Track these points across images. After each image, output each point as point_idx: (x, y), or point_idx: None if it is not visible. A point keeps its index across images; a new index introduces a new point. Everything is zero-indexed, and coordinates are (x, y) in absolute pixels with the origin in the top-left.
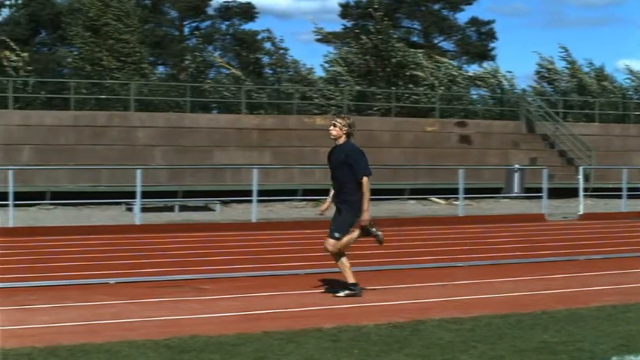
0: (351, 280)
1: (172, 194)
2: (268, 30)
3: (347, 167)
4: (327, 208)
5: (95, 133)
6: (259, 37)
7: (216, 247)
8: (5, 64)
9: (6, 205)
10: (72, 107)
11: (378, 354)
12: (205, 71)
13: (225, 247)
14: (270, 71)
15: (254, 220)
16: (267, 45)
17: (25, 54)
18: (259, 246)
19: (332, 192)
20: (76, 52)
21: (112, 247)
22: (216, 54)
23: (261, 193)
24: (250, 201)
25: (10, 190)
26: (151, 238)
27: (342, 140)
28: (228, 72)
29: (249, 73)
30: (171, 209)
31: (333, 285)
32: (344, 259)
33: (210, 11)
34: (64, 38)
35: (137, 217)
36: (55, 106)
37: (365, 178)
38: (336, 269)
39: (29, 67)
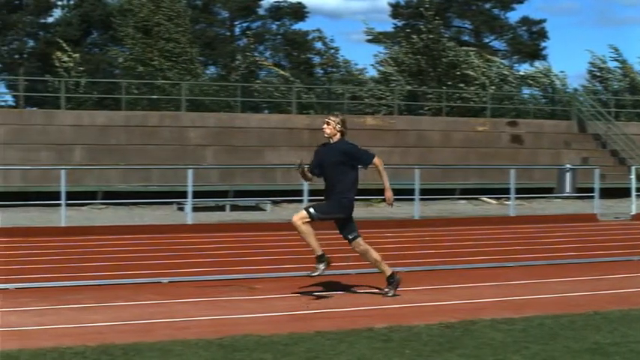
0: (388, 273)
1: (223, 194)
2: (319, 30)
3: (342, 166)
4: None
5: (146, 133)
6: (310, 37)
7: (267, 247)
8: (57, 64)
9: (58, 205)
10: (123, 107)
11: (430, 354)
12: (256, 71)
13: (276, 247)
14: (321, 71)
15: None
16: (318, 45)
17: (77, 55)
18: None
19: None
20: (127, 53)
21: (164, 247)
22: (267, 54)
23: (311, 192)
24: (301, 200)
25: (62, 189)
26: (202, 237)
27: (336, 138)
28: (277, 73)
29: (299, 73)
30: (222, 209)
31: (380, 285)
32: (376, 259)
33: (260, 11)
34: (115, 39)
35: (188, 217)
36: (107, 107)
37: (376, 159)
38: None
39: (81, 68)
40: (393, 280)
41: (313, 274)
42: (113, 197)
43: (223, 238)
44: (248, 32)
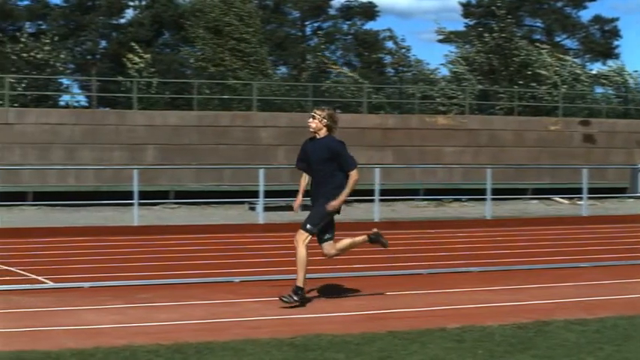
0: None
1: (294, 193)
2: (390, 29)
3: (329, 163)
4: (300, 202)
5: (218, 133)
6: (381, 36)
7: None
8: (129, 65)
9: (131, 205)
10: (195, 107)
11: (502, 355)
12: (326, 71)
13: None
14: (393, 71)
15: (376, 220)
16: (389, 44)
17: (148, 55)
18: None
19: (302, 184)
20: (198, 53)
21: (235, 246)
22: (338, 54)
23: (382, 192)
24: (372, 200)
25: (135, 189)
26: (274, 237)
27: (322, 133)
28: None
29: (370, 73)
30: (293, 208)
31: (454, 285)
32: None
33: (331, 11)
34: (186, 39)
35: (260, 217)
36: (179, 107)
37: (354, 171)
38: (459, 269)
39: (152, 69)
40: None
41: (284, 299)
42: (185, 197)
43: (293, 237)
44: (319, 32)
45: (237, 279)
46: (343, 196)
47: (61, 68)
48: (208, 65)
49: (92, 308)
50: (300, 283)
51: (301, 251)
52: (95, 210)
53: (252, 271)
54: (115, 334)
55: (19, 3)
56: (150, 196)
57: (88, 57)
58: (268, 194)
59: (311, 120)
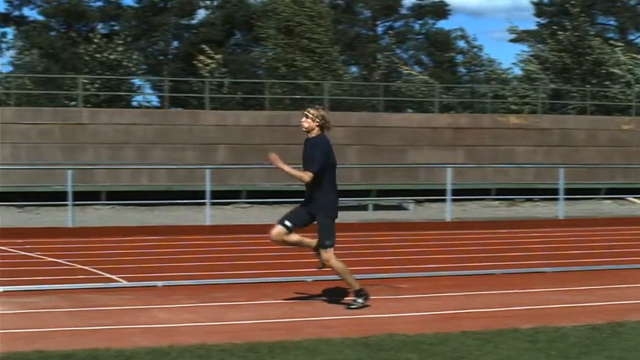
0: (356, 287)
1: (366, 193)
2: (461, 28)
3: (305, 165)
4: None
5: (290, 133)
6: (452, 35)
7: (411, 247)
8: (200, 65)
9: (203, 204)
10: (267, 107)
11: (577, 356)
12: (397, 71)
13: (420, 247)
14: (464, 70)
15: (448, 220)
16: (461, 43)
17: (219, 56)
18: (454, 245)
19: None
20: (269, 53)
21: None
22: (409, 53)
23: (454, 192)
24: (444, 200)
25: (207, 189)
26: (345, 236)
27: (314, 133)
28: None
29: (442, 72)
30: (364, 208)
31: (527, 285)
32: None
33: (403, 11)
34: (257, 39)
35: None
36: (250, 107)
37: (309, 174)
38: (532, 269)
39: (224, 69)
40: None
41: (352, 307)
42: (257, 196)
43: (365, 237)
44: (390, 32)
45: (309, 278)
46: (287, 168)
47: (133, 69)
48: (279, 65)
49: (166, 307)
50: (356, 287)
51: (337, 265)
52: (167, 209)
53: (324, 271)
54: (188, 333)
55: (92, 4)
56: (221, 196)
57: (160, 57)
58: (339, 193)
59: (304, 119)
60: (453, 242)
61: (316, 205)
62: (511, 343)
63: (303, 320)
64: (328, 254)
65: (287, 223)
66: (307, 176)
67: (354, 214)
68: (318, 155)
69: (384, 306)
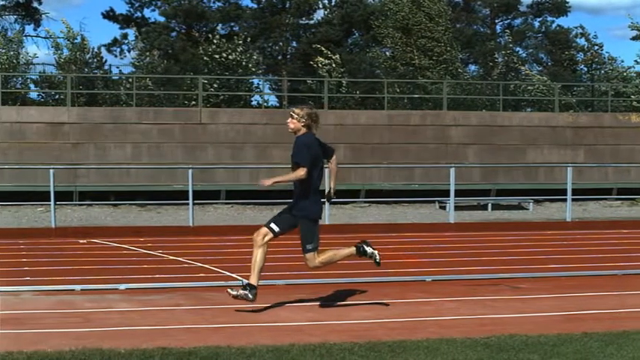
0: (253, 280)
1: (485, 192)
2: (581, 26)
3: (295, 163)
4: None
5: (408, 132)
6: (572, 33)
7: (531, 247)
8: (319, 65)
9: (322, 203)
10: (385, 107)
11: None
12: (516, 69)
13: (540, 246)
14: (584, 68)
15: (568, 220)
16: (581, 41)
17: (336, 56)
18: (575, 245)
19: None
20: (388, 53)
21: (427, 245)
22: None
23: (574, 191)
24: (564, 200)
25: (326, 188)
26: (465, 236)
27: (300, 133)
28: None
29: (562, 71)
30: (484, 208)
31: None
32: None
33: (522, 8)
34: (375, 39)
35: (450, 216)
36: (369, 106)
37: (302, 169)
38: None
39: (342, 69)
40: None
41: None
42: (376, 195)
43: (486, 237)
44: (507, 30)
45: (428, 278)
46: (279, 178)
47: (253, 69)
48: (398, 65)
49: (287, 306)
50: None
51: (323, 259)
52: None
53: (444, 270)
54: (310, 332)
55: (211, 5)
56: (340, 195)
57: (279, 57)
58: (458, 193)
59: (289, 120)
60: (573, 242)
61: (298, 207)
62: (635, 345)
63: (423, 320)
64: (310, 257)
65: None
66: (302, 171)
67: (474, 214)
68: (305, 150)
69: (505, 306)
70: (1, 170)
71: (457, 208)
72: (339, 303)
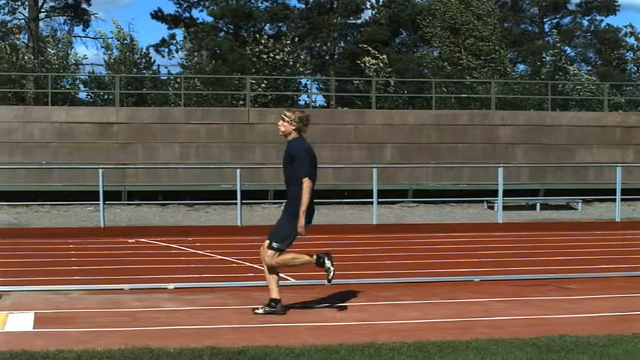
0: (274, 295)
1: (534, 192)
2: (630, 25)
3: (290, 167)
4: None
5: (457, 132)
6: (621, 32)
7: (580, 247)
8: (367, 65)
9: (369, 203)
10: (433, 106)
11: None
12: (564, 69)
13: (590, 247)
14: (634, 67)
15: (618, 220)
16: (630, 40)
17: (384, 55)
18: (624, 245)
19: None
20: (435, 53)
21: (475, 245)
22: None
23: (624, 191)
24: (613, 200)
25: (374, 188)
26: (514, 236)
27: (291, 137)
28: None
29: (611, 70)
30: (532, 207)
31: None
32: (274, 275)
33: (570, 6)
34: (423, 38)
35: (499, 216)
36: (417, 106)
37: (306, 180)
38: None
39: (389, 69)
40: (274, 307)
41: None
42: (423, 195)
43: (534, 237)
44: (554, 29)
45: (476, 278)
46: (302, 208)
47: (300, 69)
48: (445, 64)
49: (335, 305)
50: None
51: (278, 260)
52: (334, 208)
53: (492, 271)
54: (358, 331)
55: (259, 5)
56: (388, 195)
57: (326, 57)
58: (507, 193)
59: (280, 123)
60: (623, 242)
61: (287, 208)
62: None
63: (472, 320)
64: (271, 254)
65: (274, 244)
66: (307, 183)
67: (522, 214)
68: (305, 156)
69: (554, 306)
70: (50, 170)
71: (505, 208)
72: (387, 303)
